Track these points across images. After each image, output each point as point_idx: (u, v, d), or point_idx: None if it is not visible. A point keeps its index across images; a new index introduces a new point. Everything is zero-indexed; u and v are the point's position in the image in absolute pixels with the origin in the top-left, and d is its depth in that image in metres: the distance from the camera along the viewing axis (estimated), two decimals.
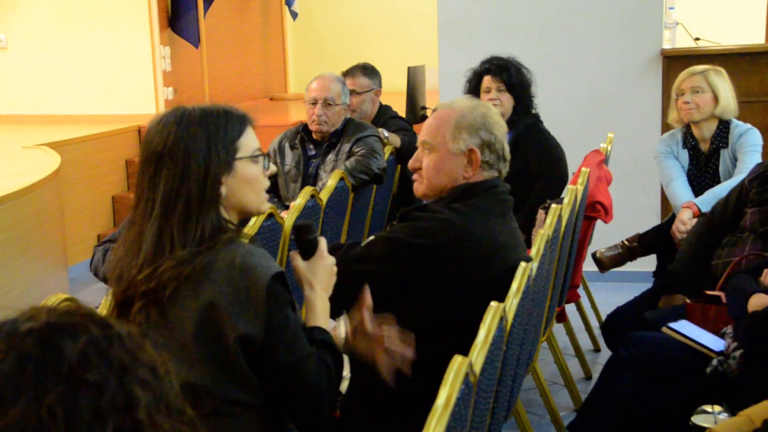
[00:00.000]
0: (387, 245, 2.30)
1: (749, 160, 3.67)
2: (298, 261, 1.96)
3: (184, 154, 1.80)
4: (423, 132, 2.45)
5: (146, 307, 1.78)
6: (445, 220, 2.28)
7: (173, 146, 1.81)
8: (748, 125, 3.82)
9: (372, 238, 2.38)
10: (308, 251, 1.97)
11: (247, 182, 1.86)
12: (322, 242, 1.99)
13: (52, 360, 0.91)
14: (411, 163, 2.45)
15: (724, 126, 3.80)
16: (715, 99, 3.77)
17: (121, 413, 0.91)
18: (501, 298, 2.11)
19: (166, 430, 0.94)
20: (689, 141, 3.87)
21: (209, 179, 1.80)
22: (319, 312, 1.92)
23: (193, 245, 1.77)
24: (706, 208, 3.59)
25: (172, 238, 1.78)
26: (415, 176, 2.46)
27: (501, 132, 2.41)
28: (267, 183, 1.93)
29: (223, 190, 1.82)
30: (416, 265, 2.26)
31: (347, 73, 4.76)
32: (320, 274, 1.95)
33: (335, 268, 2.00)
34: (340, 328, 2.06)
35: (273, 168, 1.95)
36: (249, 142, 1.87)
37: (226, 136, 1.83)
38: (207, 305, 1.74)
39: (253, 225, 2.90)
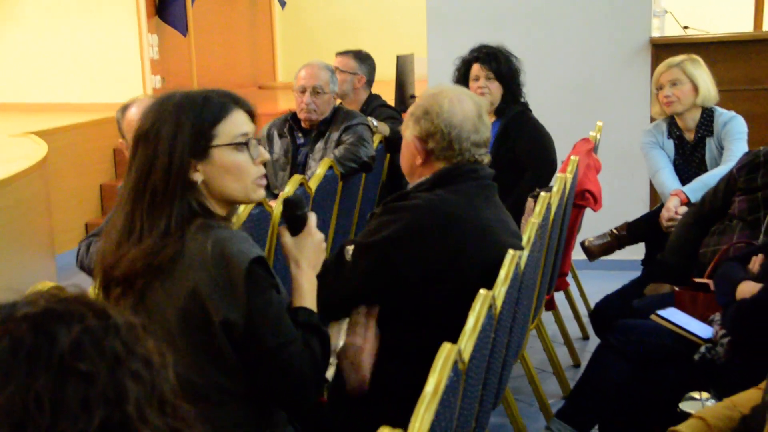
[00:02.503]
0: (372, 252, 2.27)
1: (736, 148, 3.68)
2: (286, 237, 1.93)
3: (154, 139, 1.79)
4: None
5: (123, 296, 1.78)
6: (424, 206, 2.29)
7: (148, 130, 1.80)
8: (732, 113, 3.83)
9: (352, 248, 2.31)
10: (296, 227, 1.93)
11: (226, 170, 1.81)
12: (312, 218, 1.95)
13: (45, 347, 0.90)
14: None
15: (707, 114, 3.81)
16: (695, 89, 3.77)
17: (111, 405, 0.90)
18: (490, 285, 2.11)
19: (155, 425, 0.93)
20: (674, 131, 3.87)
21: (174, 166, 1.77)
22: (305, 291, 1.89)
23: (158, 235, 1.76)
24: (694, 196, 3.59)
25: (142, 225, 1.78)
26: None
27: (448, 120, 2.34)
28: (258, 171, 1.86)
29: (198, 177, 1.79)
30: (407, 256, 2.25)
31: (341, 53, 4.77)
32: (307, 251, 1.91)
33: (323, 245, 1.97)
34: (338, 341, 2.08)
35: (265, 155, 1.88)
36: (230, 128, 1.82)
37: (197, 122, 1.79)
38: (190, 292, 1.73)
39: (241, 213, 2.89)
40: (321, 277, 2.11)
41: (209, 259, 1.73)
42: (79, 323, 0.93)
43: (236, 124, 1.83)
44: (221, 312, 1.73)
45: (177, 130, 1.78)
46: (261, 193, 1.89)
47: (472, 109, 2.36)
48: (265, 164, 1.89)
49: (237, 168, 1.82)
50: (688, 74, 3.77)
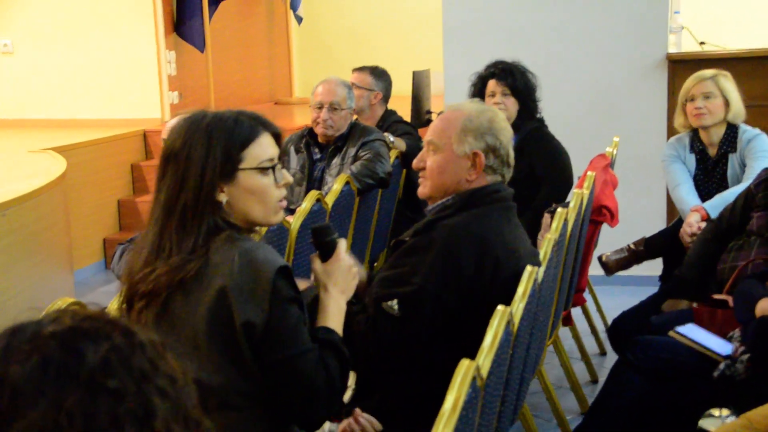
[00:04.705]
0: (424, 298, 2.24)
1: (758, 166, 3.65)
2: (316, 263, 1.97)
3: (186, 159, 1.82)
4: (429, 132, 2.46)
5: (146, 308, 1.81)
6: (455, 235, 2.28)
7: (179, 150, 1.83)
8: (757, 130, 3.81)
9: (394, 303, 2.25)
10: (326, 253, 1.97)
11: (251, 193, 1.85)
12: (340, 244, 1.98)
13: (74, 364, 0.90)
14: (415, 163, 2.46)
15: (732, 130, 3.80)
16: (726, 104, 3.76)
17: (139, 422, 0.91)
18: (508, 302, 2.10)
19: None
20: (696, 145, 3.86)
21: (204, 187, 1.80)
22: (330, 314, 1.92)
23: (185, 252, 1.79)
24: (714, 213, 3.57)
25: (171, 243, 1.80)
26: (420, 178, 2.46)
27: (507, 137, 2.41)
28: (280, 194, 1.90)
29: (223, 198, 1.83)
30: (448, 289, 2.24)
31: (357, 69, 4.80)
32: (335, 276, 1.95)
33: (354, 269, 1.99)
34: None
35: (288, 178, 1.92)
36: (258, 152, 1.85)
37: (228, 144, 1.82)
38: (217, 294, 1.76)
39: (260, 229, 2.90)
40: (384, 350, 2.15)
41: (236, 267, 1.77)
42: (107, 341, 0.93)
43: (263, 147, 1.86)
44: (244, 314, 1.75)
45: (208, 153, 1.81)
46: (280, 216, 1.93)
47: (511, 130, 2.46)
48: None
49: (261, 191, 1.86)
50: (721, 88, 3.76)
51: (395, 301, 2.25)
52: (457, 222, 2.32)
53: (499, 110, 3.82)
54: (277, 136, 1.91)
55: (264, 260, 1.78)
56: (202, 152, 1.81)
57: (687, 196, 3.80)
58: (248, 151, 1.84)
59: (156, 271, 1.79)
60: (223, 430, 1.04)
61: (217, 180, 1.81)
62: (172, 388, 0.95)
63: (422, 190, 2.45)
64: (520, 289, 2.21)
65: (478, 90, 4.03)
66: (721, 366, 2.65)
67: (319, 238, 1.98)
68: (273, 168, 1.87)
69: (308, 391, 1.81)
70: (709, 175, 3.85)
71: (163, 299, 1.80)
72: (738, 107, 3.78)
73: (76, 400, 0.88)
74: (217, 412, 1.74)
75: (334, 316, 1.92)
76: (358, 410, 2.12)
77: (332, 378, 1.83)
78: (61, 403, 0.88)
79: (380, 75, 4.82)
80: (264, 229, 2.93)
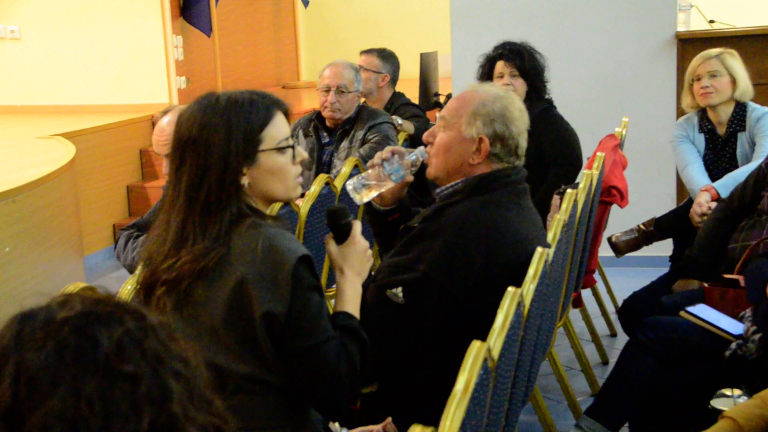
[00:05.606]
0: (430, 285, 2.22)
1: None
2: (331, 246, 1.96)
3: (205, 145, 1.81)
4: (445, 108, 2.46)
5: (167, 294, 1.81)
6: (463, 225, 2.26)
7: (196, 136, 1.82)
8: (766, 108, 3.79)
9: (399, 290, 2.23)
10: (341, 236, 1.96)
11: (271, 173, 1.85)
12: (356, 226, 1.97)
13: (89, 350, 0.90)
14: (425, 136, 2.45)
15: (740, 109, 3.77)
16: (733, 82, 3.74)
17: (157, 405, 0.91)
18: (518, 283, 2.10)
19: (198, 422, 0.93)
20: (705, 125, 3.84)
21: (228, 172, 1.80)
22: (347, 298, 1.92)
23: (210, 240, 1.78)
24: (724, 192, 3.56)
25: (195, 231, 1.80)
26: (428, 158, 2.45)
27: (519, 128, 2.38)
28: (297, 170, 1.91)
29: (245, 180, 1.83)
30: (455, 277, 2.23)
31: (365, 51, 4.79)
32: (351, 259, 1.94)
33: (369, 252, 1.98)
34: None
35: (303, 154, 1.93)
36: (275, 132, 1.85)
37: (248, 128, 1.82)
38: (237, 284, 1.76)
39: (268, 212, 2.90)
40: (388, 339, 2.12)
41: (258, 254, 1.77)
42: (119, 325, 0.93)
43: (279, 127, 1.87)
44: (264, 304, 1.76)
45: (229, 137, 1.80)
46: (299, 191, 1.94)
47: (528, 120, 2.44)
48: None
49: (280, 170, 1.87)
50: (728, 67, 3.73)
51: (400, 289, 2.24)
52: (466, 209, 2.30)
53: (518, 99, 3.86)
54: (286, 114, 1.92)
55: (286, 249, 1.78)
56: (223, 137, 1.80)
57: (697, 176, 3.78)
58: (266, 132, 1.84)
59: (181, 260, 1.79)
60: (239, 413, 1.04)
61: (241, 164, 1.81)
62: (185, 369, 0.95)
63: (429, 170, 2.45)
64: (531, 270, 2.20)
65: (486, 71, 4.00)
66: (733, 346, 2.65)
67: (334, 221, 1.97)
68: (292, 147, 1.88)
69: (332, 378, 1.81)
70: (719, 155, 3.83)
71: (184, 286, 1.79)
72: (745, 85, 3.75)
73: (94, 387, 0.88)
74: (233, 395, 1.76)
75: (351, 300, 1.92)
76: (389, 419, 2.11)
77: (354, 364, 1.84)
78: (80, 390, 0.88)
79: (388, 57, 4.80)
80: (273, 213, 2.93)
